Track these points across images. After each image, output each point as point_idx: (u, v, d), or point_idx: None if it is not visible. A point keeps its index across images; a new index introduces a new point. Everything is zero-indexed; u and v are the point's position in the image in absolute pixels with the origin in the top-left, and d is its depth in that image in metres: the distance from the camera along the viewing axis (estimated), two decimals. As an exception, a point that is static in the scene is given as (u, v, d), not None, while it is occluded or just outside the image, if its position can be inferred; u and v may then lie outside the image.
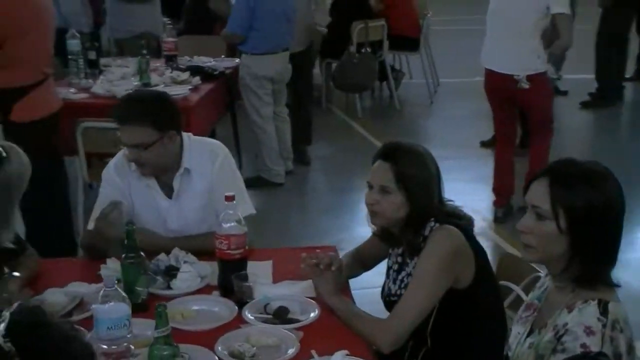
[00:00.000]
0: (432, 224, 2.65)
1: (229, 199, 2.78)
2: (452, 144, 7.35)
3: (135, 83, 5.63)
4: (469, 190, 5.79)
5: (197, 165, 3.18)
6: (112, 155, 3.40)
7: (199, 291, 2.84)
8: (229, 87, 6.22)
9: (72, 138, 5.02)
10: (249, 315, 2.64)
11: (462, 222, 2.69)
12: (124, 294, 2.19)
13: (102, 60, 6.32)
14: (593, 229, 2.07)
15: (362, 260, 3.02)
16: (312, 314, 2.65)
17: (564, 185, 2.08)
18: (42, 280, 2.93)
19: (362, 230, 3.24)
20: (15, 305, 1.64)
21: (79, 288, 2.82)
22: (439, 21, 11.22)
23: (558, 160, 2.20)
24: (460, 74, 9.89)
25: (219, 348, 2.42)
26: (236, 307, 2.69)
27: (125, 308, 2.15)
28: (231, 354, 2.40)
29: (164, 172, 3.18)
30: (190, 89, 5.56)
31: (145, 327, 2.39)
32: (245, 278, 2.74)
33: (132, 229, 2.68)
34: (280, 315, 2.63)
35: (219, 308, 2.72)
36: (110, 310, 2.13)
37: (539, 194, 2.12)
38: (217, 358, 2.39)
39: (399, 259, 2.79)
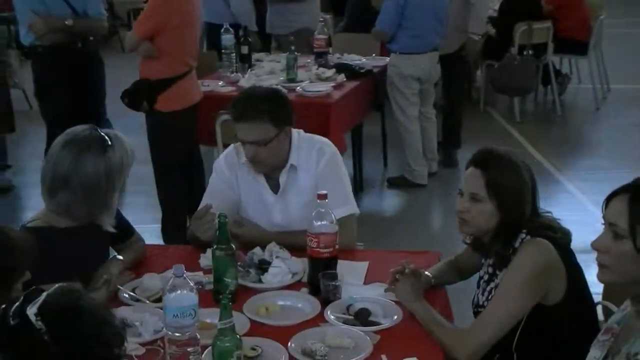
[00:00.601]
0: (524, 235, 2.55)
1: (322, 197, 2.79)
2: (618, 154, 6.99)
3: (281, 78, 5.75)
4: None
5: (303, 162, 3.22)
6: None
7: (289, 287, 2.86)
8: (377, 85, 6.21)
9: (213, 129, 5.18)
10: (331, 314, 2.64)
11: (557, 235, 2.57)
12: (192, 283, 2.24)
13: (255, 55, 6.50)
14: None
15: (459, 269, 2.95)
16: (394, 318, 2.62)
17: None
18: (148, 265, 3.06)
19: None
20: (55, 286, 1.72)
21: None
22: (614, 23, 10.69)
23: None
24: (635, 80, 9.42)
25: (292, 345, 2.44)
26: (320, 306, 2.69)
27: (191, 297, 2.21)
28: (303, 352, 2.42)
29: (275, 168, 3.23)
30: (333, 86, 5.61)
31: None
32: (332, 277, 2.74)
33: (225, 221, 2.73)
34: (361, 317, 2.61)
35: (303, 305, 2.73)
36: (177, 298, 2.19)
37: (617, 210, 2.00)
38: (289, 354, 2.40)
39: (490, 270, 2.70)
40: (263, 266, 2.90)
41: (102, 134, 2.78)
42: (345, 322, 2.60)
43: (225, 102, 5.33)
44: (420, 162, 6.39)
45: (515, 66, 8.00)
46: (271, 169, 3.22)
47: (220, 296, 2.22)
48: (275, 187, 3.25)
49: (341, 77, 5.80)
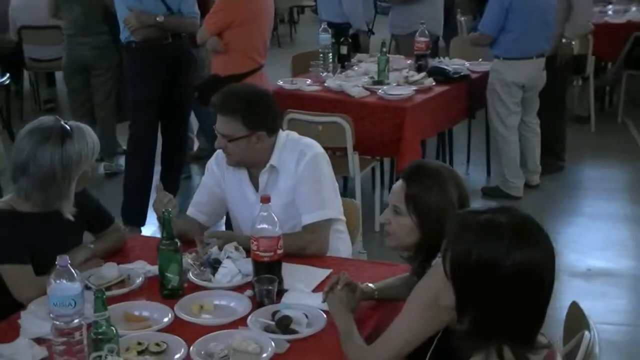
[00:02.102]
0: (439, 256, 2.42)
1: (265, 200, 2.78)
2: None
3: (365, 79, 5.71)
4: None
5: (284, 163, 3.21)
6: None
7: (238, 288, 2.87)
8: (472, 91, 6.01)
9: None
10: (256, 319, 2.62)
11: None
12: (77, 275, 2.31)
13: (359, 56, 6.49)
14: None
15: (411, 285, 2.83)
16: (313, 328, 2.57)
17: None
18: (124, 255, 3.17)
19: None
20: None
21: (141, 266, 3.01)
22: None
23: None
24: None
25: (196, 345, 2.46)
26: (251, 309, 2.69)
27: (72, 288, 2.27)
28: (205, 353, 2.43)
29: (252, 167, 3.25)
30: (415, 90, 5.51)
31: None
32: (268, 281, 2.72)
33: (169, 217, 2.79)
34: (281, 324, 2.58)
35: (237, 307, 2.74)
36: (57, 287, 2.26)
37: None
38: (189, 352, 2.43)
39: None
40: (215, 265, 2.93)
41: (66, 125, 2.89)
42: (266, 327, 2.58)
43: (296, 101, 5.45)
44: (516, 173, 6.13)
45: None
46: (243, 165, 3.24)
47: (95, 291, 2.26)
48: (257, 186, 3.27)
49: (429, 81, 5.69)
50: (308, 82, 5.77)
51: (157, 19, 5.34)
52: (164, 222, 2.79)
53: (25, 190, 2.87)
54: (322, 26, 6.17)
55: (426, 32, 6.16)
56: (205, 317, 2.69)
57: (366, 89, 5.54)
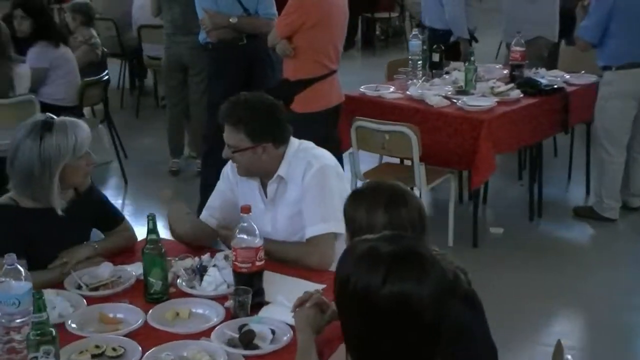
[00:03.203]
0: None
1: (245, 210, 2.71)
2: None
3: (446, 88, 5.52)
4: None
5: (292, 174, 3.13)
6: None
7: (222, 298, 2.80)
8: (567, 105, 5.67)
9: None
10: (221, 330, 2.56)
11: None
12: (24, 273, 2.32)
13: (454, 64, 6.28)
14: None
15: None
16: (275, 345, 2.49)
17: None
18: (130, 256, 3.15)
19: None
20: None
21: (137, 268, 3.00)
22: None
23: None
24: None
25: (150, 353, 2.43)
26: (223, 320, 2.63)
27: (18, 287, 2.28)
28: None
29: (263, 176, 3.18)
30: (497, 102, 5.27)
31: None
32: (243, 293, 2.65)
33: (153, 220, 2.77)
34: (244, 339, 2.51)
35: (211, 316, 2.68)
36: (2, 286, 2.28)
37: None
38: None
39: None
40: (203, 273, 2.89)
41: (50, 120, 2.91)
42: (229, 340, 2.52)
43: (376, 108, 5.32)
44: (614, 195, 5.71)
45: None
46: (251, 175, 3.19)
47: (34, 292, 2.26)
48: (267, 195, 3.21)
49: (515, 93, 5.43)
50: (391, 89, 5.64)
51: (231, 20, 5.36)
52: (148, 226, 2.77)
53: (15, 186, 2.92)
54: (413, 32, 6.02)
55: (522, 41, 5.87)
56: (177, 324, 2.65)
57: (447, 98, 5.35)
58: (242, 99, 3.14)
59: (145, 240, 2.80)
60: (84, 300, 2.77)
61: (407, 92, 5.53)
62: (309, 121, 4.93)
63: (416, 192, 5.22)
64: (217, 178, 5.44)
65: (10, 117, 5.54)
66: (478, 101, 5.27)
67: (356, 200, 2.39)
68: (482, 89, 5.53)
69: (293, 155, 3.15)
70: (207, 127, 5.64)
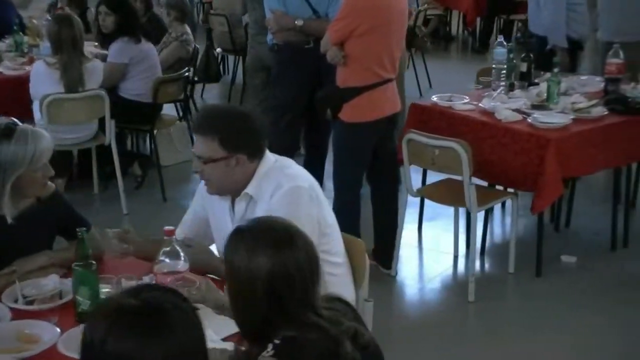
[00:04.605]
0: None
1: (169, 232, 2.50)
2: None
3: (522, 102, 5.07)
4: None
5: (262, 193, 2.90)
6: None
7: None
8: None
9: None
10: None
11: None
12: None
13: (547, 75, 5.77)
14: None
15: None
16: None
17: None
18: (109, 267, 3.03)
19: None
20: None
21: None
22: None
23: None
24: None
25: None
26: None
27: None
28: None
29: (234, 194, 2.96)
30: (574, 119, 4.78)
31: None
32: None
33: (83, 237, 2.62)
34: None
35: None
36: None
37: None
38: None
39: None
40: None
41: (12, 127, 2.82)
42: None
43: (445, 119, 4.95)
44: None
45: None
46: (223, 193, 2.97)
47: None
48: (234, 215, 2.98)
49: (598, 110, 4.91)
50: (465, 99, 5.25)
51: (296, 22, 5.17)
52: (78, 242, 2.63)
53: None
54: (499, 39, 5.59)
55: (620, 52, 5.31)
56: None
57: (521, 112, 4.92)
58: (215, 108, 3.01)
59: (76, 257, 2.65)
60: (9, 314, 2.65)
61: (480, 104, 5.13)
62: (356, 131, 4.68)
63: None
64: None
65: (80, 111, 5.61)
66: (551, 117, 4.80)
67: (236, 241, 2.11)
68: (563, 104, 5.04)
69: (264, 173, 2.91)
70: (270, 131, 5.45)
